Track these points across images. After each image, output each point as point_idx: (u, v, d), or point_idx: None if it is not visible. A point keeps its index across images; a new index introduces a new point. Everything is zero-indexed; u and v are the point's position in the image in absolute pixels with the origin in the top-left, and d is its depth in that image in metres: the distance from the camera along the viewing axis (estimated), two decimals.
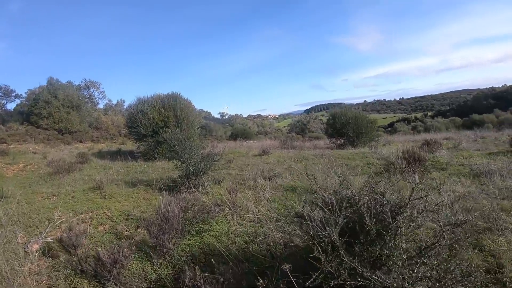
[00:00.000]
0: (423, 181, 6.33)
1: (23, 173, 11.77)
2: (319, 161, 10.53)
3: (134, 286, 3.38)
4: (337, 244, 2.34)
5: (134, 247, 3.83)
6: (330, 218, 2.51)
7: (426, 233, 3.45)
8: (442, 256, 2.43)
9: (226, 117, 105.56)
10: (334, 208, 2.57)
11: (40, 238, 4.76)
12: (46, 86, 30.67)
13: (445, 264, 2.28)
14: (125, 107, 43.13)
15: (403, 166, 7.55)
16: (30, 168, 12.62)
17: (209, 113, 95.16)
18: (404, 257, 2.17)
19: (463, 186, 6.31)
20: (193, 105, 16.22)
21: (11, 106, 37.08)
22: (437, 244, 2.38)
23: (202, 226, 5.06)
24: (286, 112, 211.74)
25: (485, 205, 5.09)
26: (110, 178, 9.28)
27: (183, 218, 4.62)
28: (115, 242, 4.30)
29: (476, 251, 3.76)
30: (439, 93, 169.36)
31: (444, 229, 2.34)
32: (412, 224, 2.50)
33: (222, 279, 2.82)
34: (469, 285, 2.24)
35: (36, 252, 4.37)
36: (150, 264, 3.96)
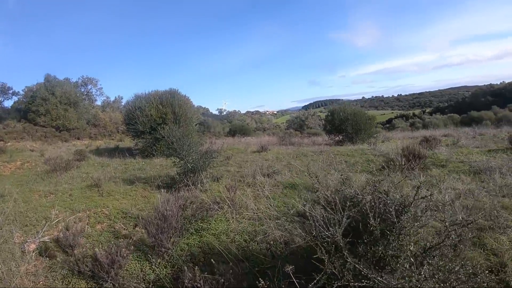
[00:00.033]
0: (424, 179, 6.30)
1: (20, 171, 11.69)
2: (318, 157, 10.48)
3: (132, 287, 3.32)
4: (341, 244, 2.29)
5: (132, 246, 3.78)
6: (333, 218, 2.46)
7: (427, 231, 3.41)
8: (447, 256, 2.39)
9: (224, 113, 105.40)
10: (337, 208, 2.51)
11: (37, 238, 4.69)
12: (43, 83, 30.44)
13: (450, 264, 2.23)
14: (123, 103, 42.96)
15: (403, 163, 7.51)
16: (27, 166, 12.54)
17: (207, 109, 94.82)
18: (412, 260, 2.12)
19: (463, 183, 6.27)
20: (191, 101, 16.15)
21: (8, 103, 36.87)
22: (442, 244, 2.33)
23: (201, 224, 5.00)
24: (284, 109, 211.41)
25: (486, 202, 5.06)
26: (108, 176, 9.20)
27: (182, 216, 4.55)
28: (112, 242, 4.25)
29: (478, 249, 3.73)
30: (437, 89, 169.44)
31: (450, 229, 2.29)
32: (416, 224, 2.45)
33: (222, 280, 2.77)
34: (475, 286, 2.20)
35: (33, 252, 4.31)
36: (149, 264, 3.90)
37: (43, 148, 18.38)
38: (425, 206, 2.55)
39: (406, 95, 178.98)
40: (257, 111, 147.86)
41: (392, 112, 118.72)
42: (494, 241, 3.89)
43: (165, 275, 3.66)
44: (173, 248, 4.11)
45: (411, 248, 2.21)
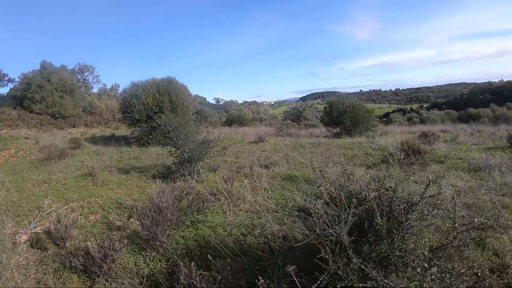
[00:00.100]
0: (432, 177, 6.23)
1: (14, 159, 11.50)
2: (316, 150, 10.41)
3: (126, 282, 3.21)
4: (345, 243, 2.18)
5: (126, 240, 3.66)
6: (338, 215, 2.35)
7: (427, 230, 3.32)
8: (453, 258, 2.30)
9: (221, 103, 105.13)
10: (342, 204, 2.40)
11: (28, 229, 4.55)
12: (39, 70, 29.95)
13: (457, 266, 2.14)
14: (119, 91, 42.49)
15: (402, 157, 7.42)
16: (21, 154, 12.34)
17: (204, 99, 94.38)
18: (426, 265, 2.02)
19: (463, 180, 6.21)
20: (188, 90, 16.00)
21: (4, 90, 36.40)
22: (449, 245, 2.24)
23: (197, 216, 4.89)
24: (281, 99, 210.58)
25: (486, 201, 4.99)
26: (103, 165, 9.06)
27: (177, 208, 4.44)
28: (106, 234, 4.12)
29: (479, 249, 3.65)
30: (435, 85, 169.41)
31: (459, 230, 2.19)
32: (423, 223, 2.35)
33: (219, 277, 2.66)
34: None
35: (25, 243, 4.18)
36: (143, 257, 3.79)
37: (38, 136, 18.10)
38: (433, 204, 2.44)
39: (403, 90, 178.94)
40: (254, 101, 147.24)
41: (390, 106, 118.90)
42: (496, 240, 3.81)
43: (160, 269, 3.56)
44: (168, 241, 4.00)
45: (424, 252, 2.10)
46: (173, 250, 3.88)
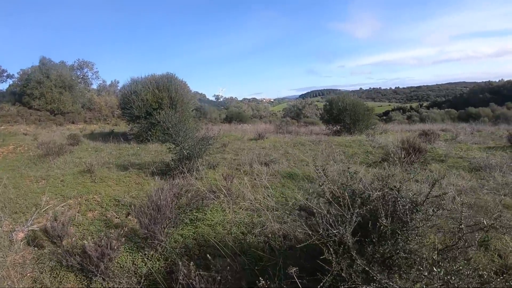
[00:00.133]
0: (436, 175, 6.18)
1: (12, 156, 11.41)
2: (316, 147, 10.36)
3: (123, 282, 3.16)
4: (349, 244, 2.12)
5: (124, 238, 3.59)
6: (342, 215, 2.29)
7: (430, 230, 3.28)
8: (458, 259, 2.25)
9: (221, 99, 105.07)
10: (345, 203, 2.34)
11: (25, 226, 4.49)
12: (38, 66, 29.74)
13: (462, 268, 2.09)
14: (119, 87, 42.31)
15: (403, 156, 7.37)
16: (20, 150, 12.24)
17: (204, 95, 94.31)
18: (435, 269, 1.96)
19: (463, 180, 6.16)
20: (188, 86, 15.91)
21: (3, 86, 36.26)
22: (454, 246, 2.19)
23: (196, 214, 4.83)
24: (281, 97, 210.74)
25: (488, 201, 4.95)
26: (102, 161, 9.00)
27: (176, 205, 4.38)
28: (103, 232, 4.06)
29: (481, 249, 3.61)
30: (435, 84, 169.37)
31: (465, 231, 2.14)
32: (428, 224, 2.30)
33: (219, 278, 2.60)
34: None
35: (21, 241, 4.12)
36: (141, 256, 3.73)
37: (36, 132, 18.00)
38: (437, 204, 2.39)
39: (403, 88, 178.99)
40: (254, 98, 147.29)
41: (389, 104, 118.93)
42: (498, 241, 3.77)
43: (158, 268, 3.49)
44: (167, 240, 3.93)
45: (432, 256, 2.05)
46: (171, 249, 3.82)
